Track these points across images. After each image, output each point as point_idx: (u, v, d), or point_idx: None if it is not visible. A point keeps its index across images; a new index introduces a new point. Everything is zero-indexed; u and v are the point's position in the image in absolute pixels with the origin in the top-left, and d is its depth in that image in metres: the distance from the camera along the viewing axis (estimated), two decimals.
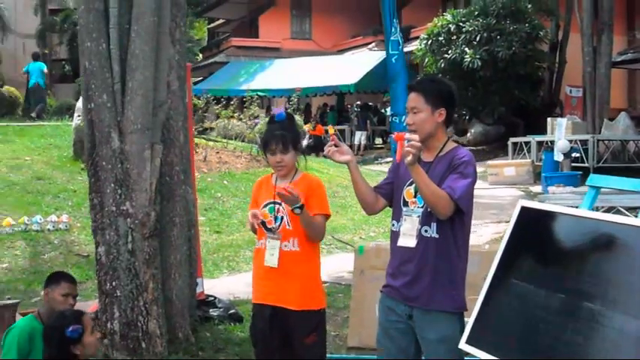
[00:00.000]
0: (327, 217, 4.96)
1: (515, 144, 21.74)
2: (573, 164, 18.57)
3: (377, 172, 19.99)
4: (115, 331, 6.34)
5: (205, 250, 11.07)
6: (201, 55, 42.18)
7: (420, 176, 4.11)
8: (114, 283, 6.32)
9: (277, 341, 4.93)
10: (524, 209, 4.28)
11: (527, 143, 21.02)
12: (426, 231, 4.26)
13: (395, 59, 7.86)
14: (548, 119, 20.81)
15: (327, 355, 5.17)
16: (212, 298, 8.12)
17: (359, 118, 30.00)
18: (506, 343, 3.93)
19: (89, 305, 7.10)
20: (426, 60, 24.98)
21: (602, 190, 5.10)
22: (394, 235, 4.43)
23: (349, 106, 33.21)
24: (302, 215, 4.61)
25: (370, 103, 32.53)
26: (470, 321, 4.13)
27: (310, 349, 4.89)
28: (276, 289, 4.87)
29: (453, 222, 4.23)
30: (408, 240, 4.31)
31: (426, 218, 4.25)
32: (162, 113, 6.47)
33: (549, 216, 4.19)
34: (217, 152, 18.49)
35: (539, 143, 20.27)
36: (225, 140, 19.98)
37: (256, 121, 19.91)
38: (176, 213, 6.87)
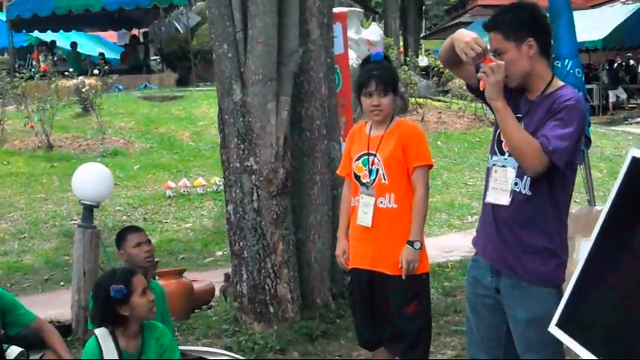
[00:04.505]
0: (429, 167, 4.40)
1: None
2: None
3: (620, 133, 18.44)
4: (243, 294, 6.06)
5: None
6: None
7: (504, 117, 3.37)
8: (241, 244, 6.03)
9: (380, 310, 4.40)
10: (635, 161, 3.37)
11: None
12: (516, 184, 3.49)
13: None
14: None
15: None
16: None
17: (609, 76, 27.93)
18: (603, 334, 3.09)
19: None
20: None
21: None
22: (489, 174, 3.67)
23: (597, 64, 31.08)
24: None
25: (618, 60, 30.23)
26: (563, 299, 3.32)
27: (411, 319, 4.37)
28: (371, 252, 4.38)
29: (552, 178, 3.42)
30: (498, 195, 3.56)
31: (520, 169, 3.48)
32: (293, 63, 6.01)
33: None
34: (439, 112, 17.87)
35: None
36: (449, 100, 19.29)
37: None
38: (317, 170, 6.40)
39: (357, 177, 4.42)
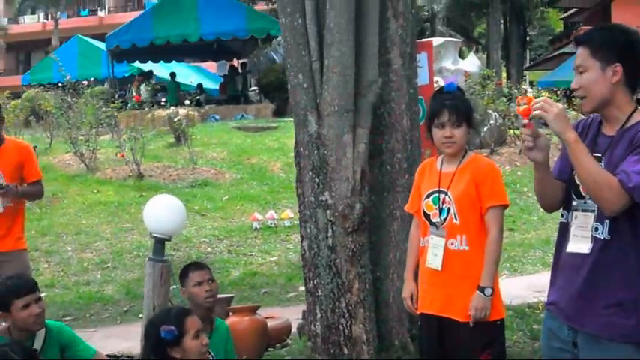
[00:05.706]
0: (504, 207, 4.07)
1: None
2: None
3: None
4: (316, 334, 5.80)
5: None
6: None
7: (576, 151, 3.07)
8: (315, 281, 5.79)
9: (450, 357, 4.12)
10: None
11: None
12: (596, 229, 3.18)
13: None
14: None
15: None
16: None
17: None
18: None
19: None
20: None
21: None
22: (562, 229, 3.40)
23: None
24: None
25: None
26: None
27: None
28: (441, 296, 4.10)
29: (634, 218, 3.09)
30: (579, 243, 3.25)
31: (600, 213, 3.16)
32: (372, 94, 5.76)
33: None
34: None
35: None
36: (550, 132, 18.69)
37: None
38: (397, 205, 6.10)
39: (427, 216, 4.15)
